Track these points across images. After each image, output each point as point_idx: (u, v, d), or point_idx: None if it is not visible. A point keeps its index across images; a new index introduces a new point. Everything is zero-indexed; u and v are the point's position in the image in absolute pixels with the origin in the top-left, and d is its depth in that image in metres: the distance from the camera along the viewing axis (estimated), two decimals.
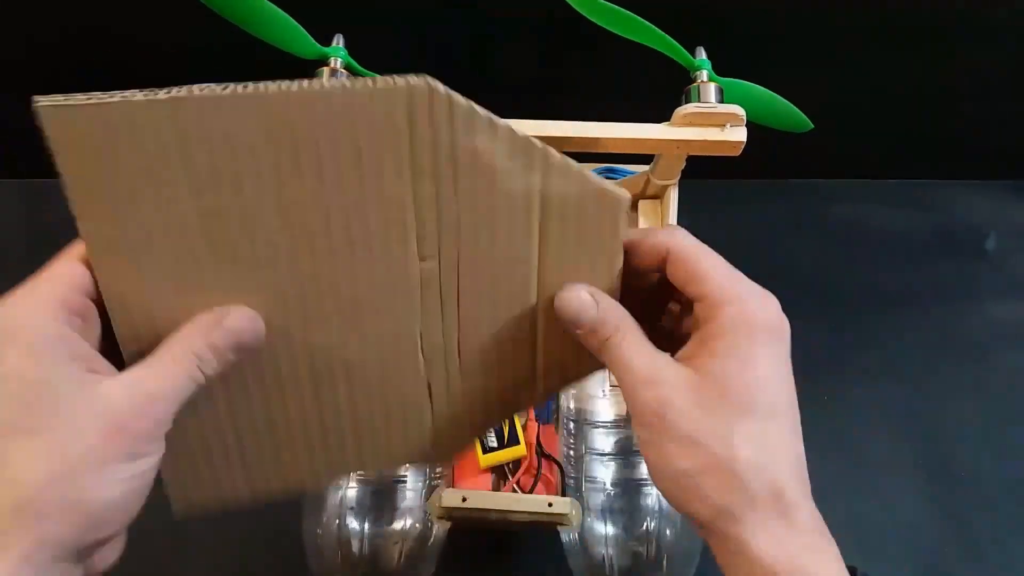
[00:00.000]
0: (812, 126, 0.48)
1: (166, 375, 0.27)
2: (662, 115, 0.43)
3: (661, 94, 0.43)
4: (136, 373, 0.27)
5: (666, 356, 0.30)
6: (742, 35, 0.54)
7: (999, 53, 0.58)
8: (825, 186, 0.71)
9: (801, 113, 0.47)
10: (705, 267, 0.30)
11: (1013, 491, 0.58)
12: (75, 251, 0.30)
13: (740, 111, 0.42)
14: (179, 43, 0.55)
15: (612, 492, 0.44)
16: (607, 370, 0.31)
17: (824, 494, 0.57)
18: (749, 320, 0.30)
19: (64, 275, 0.29)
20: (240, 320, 0.29)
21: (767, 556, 0.27)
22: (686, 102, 0.42)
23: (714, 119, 0.42)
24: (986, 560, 0.55)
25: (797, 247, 0.67)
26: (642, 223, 0.49)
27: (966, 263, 0.68)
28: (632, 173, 0.51)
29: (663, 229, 0.34)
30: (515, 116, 0.42)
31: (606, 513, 0.44)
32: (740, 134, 0.42)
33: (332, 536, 0.44)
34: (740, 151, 0.43)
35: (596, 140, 0.42)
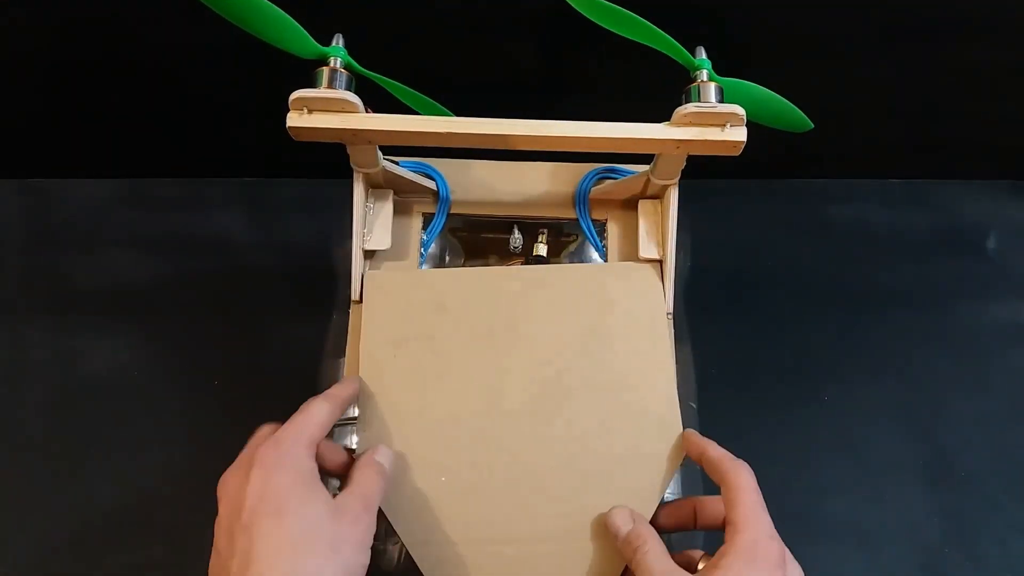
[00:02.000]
0: (812, 125, 0.48)
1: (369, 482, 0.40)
2: (662, 115, 0.43)
3: (661, 94, 0.43)
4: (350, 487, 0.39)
5: (682, 572, 0.37)
6: (742, 35, 0.54)
7: (999, 53, 0.58)
8: (825, 186, 0.71)
9: (801, 113, 0.47)
10: (740, 488, 0.39)
11: (1013, 491, 0.58)
12: (331, 393, 0.42)
13: (740, 111, 0.41)
14: (179, 42, 0.55)
15: None
16: None
17: (824, 494, 0.57)
18: (757, 553, 0.37)
19: (316, 418, 0.40)
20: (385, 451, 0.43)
21: None
22: (686, 102, 0.42)
23: (714, 119, 0.42)
24: (986, 560, 0.55)
25: (797, 247, 0.67)
26: (642, 223, 0.49)
27: (966, 263, 0.68)
28: (632, 173, 0.51)
29: (732, 461, 0.41)
30: (516, 116, 0.42)
31: None
32: (740, 134, 0.42)
33: None
34: (740, 151, 0.42)
35: (595, 140, 0.42)
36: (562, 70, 0.58)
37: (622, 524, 0.41)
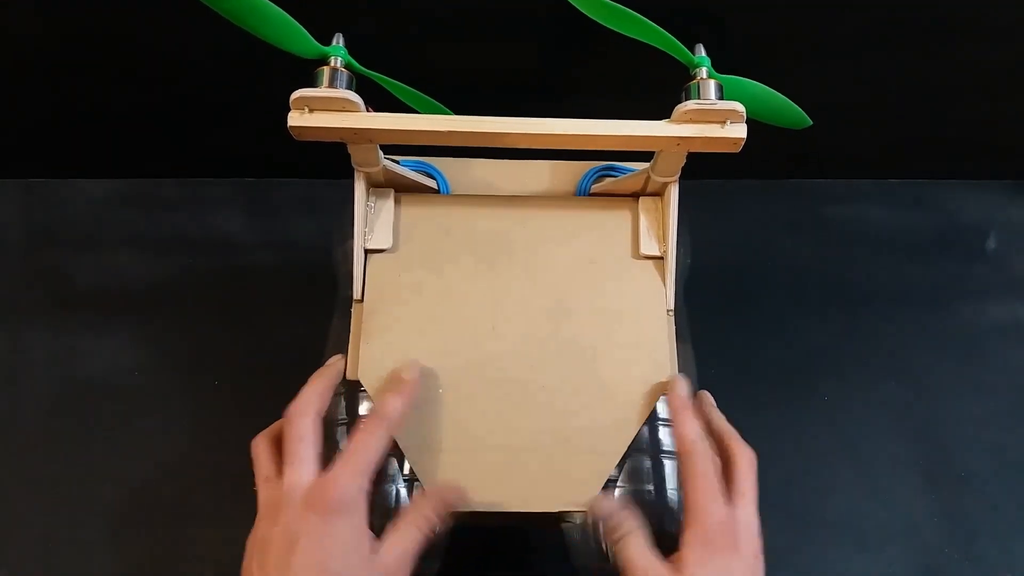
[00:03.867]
0: (811, 122, 0.48)
1: (411, 538, 0.40)
2: (662, 112, 0.43)
3: (661, 91, 0.43)
4: (392, 540, 0.39)
5: (663, 562, 0.39)
6: (741, 33, 0.54)
7: (999, 53, 0.58)
8: (825, 186, 0.71)
9: (800, 109, 0.47)
10: (693, 475, 0.41)
11: (1013, 491, 0.58)
12: (374, 426, 0.41)
13: (740, 107, 0.41)
14: (180, 42, 0.55)
15: (622, 486, 0.44)
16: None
17: (824, 494, 0.57)
18: (711, 541, 0.39)
19: (374, 452, 0.40)
20: (451, 493, 0.43)
21: None
22: (686, 99, 0.42)
23: (714, 116, 0.42)
24: (986, 560, 0.55)
25: (797, 247, 0.67)
26: (643, 220, 0.49)
27: (966, 263, 0.68)
28: (632, 171, 0.51)
29: (688, 421, 0.43)
30: (515, 114, 0.42)
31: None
32: (740, 131, 0.42)
33: None
34: (740, 147, 0.42)
35: (596, 137, 0.42)
36: (562, 69, 0.58)
37: (605, 511, 0.42)
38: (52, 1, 0.52)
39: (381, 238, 0.49)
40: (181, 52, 0.56)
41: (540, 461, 0.45)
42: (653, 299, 0.48)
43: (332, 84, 0.41)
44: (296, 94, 0.41)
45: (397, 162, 0.50)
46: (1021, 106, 0.64)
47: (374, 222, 0.49)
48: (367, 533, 0.38)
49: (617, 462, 0.44)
